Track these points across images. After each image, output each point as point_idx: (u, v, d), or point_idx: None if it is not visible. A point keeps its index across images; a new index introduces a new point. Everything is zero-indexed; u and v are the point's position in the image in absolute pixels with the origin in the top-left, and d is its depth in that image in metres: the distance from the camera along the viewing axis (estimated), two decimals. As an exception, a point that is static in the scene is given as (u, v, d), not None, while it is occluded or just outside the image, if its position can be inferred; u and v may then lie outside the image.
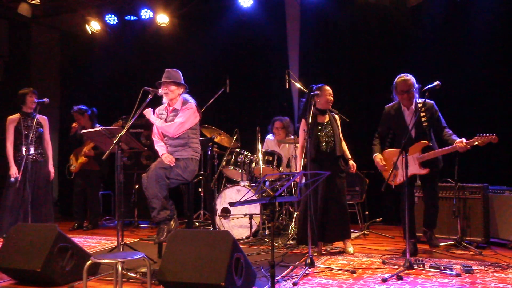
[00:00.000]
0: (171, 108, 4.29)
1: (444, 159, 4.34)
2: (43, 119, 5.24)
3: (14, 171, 4.94)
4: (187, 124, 4.19)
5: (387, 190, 3.82)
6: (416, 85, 4.14)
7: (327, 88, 4.35)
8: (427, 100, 4.04)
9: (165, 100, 4.28)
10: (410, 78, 4.16)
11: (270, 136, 5.99)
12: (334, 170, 4.22)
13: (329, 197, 4.25)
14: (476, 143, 3.84)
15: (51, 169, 5.30)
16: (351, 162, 4.39)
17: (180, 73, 4.32)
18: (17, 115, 5.13)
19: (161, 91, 4.14)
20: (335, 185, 4.26)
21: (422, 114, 4.10)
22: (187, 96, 4.36)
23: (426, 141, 4.11)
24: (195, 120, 4.28)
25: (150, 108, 4.24)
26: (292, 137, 5.63)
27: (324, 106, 4.36)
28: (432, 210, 4.37)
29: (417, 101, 4.17)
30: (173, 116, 4.25)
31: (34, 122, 5.06)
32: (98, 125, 6.04)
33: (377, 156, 4.33)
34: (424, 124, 4.13)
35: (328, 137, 4.31)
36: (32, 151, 5.01)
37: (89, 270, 2.85)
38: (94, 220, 6.25)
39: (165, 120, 4.28)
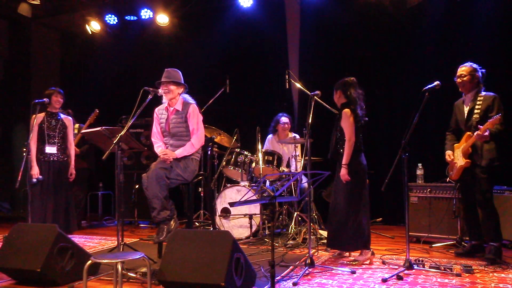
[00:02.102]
0: (172, 108, 4.29)
1: (444, 159, 4.33)
2: (68, 120, 5.23)
3: (35, 172, 4.91)
4: (202, 128, 4.29)
5: (387, 190, 3.82)
6: (479, 74, 4.04)
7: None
8: (487, 92, 4.01)
9: (165, 100, 4.28)
10: (467, 66, 4.08)
11: (269, 136, 5.98)
12: (337, 171, 4.14)
13: (334, 201, 4.15)
14: (488, 127, 3.78)
15: (72, 170, 5.28)
16: (341, 171, 4.00)
17: (180, 72, 4.32)
18: (42, 114, 5.09)
19: (160, 91, 4.15)
20: (337, 188, 4.13)
21: (477, 106, 4.01)
22: (187, 96, 4.36)
23: (470, 132, 4.01)
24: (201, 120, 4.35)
25: (164, 151, 4.18)
26: (293, 136, 5.63)
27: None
28: (483, 218, 4.04)
29: (480, 94, 4.05)
30: (176, 118, 4.25)
31: (59, 123, 5.06)
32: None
33: (446, 153, 4.24)
34: (474, 116, 4.01)
35: (331, 138, 4.22)
36: (54, 150, 5.01)
37: (89, 270, 2.84)
38: (78, 220, 6.13)
39: (167, 121, 4.28)
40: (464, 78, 4.07)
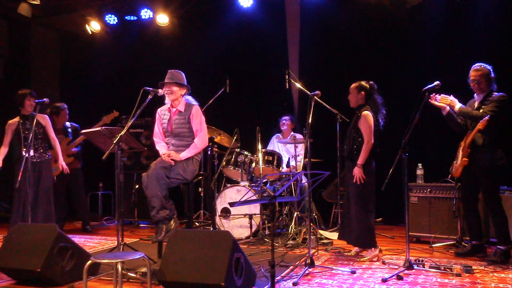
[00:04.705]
0: (174, 109, 4.28)
1: (444, 159, 4.33)
2: (43, 118, 5.13)
3: None
4: (205, 130, 4.30)
5: (387, 190, 3.82)
6: (492, 75, 4.04)
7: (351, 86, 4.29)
8: (498, 93, 4.00)
9: (167, 100, 4.28)
10: (482, 67, 4.06)
11: (274, 137, 6.02)
12: (349, 171, 4.19)
13: (346, 199, 4.27)
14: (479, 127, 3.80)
15: (63, 163, 5.26)
16: (355, 170, 4.09)
17: (183, 74, 4.33)
18: (16, 119, 5.05)
19: (161, 91, 4.14)
20: (349, 188, 4.21)
21: (483, 106, 4.00)
22: (189, 98, 4.37)
23: (469, 132, 4.02)
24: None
25: (168, 153, 4.14)
26: (293, 135, 5.63)
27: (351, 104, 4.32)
28: (493, 220, 4.04)
29: (492, 94, 4.03)
30: (178, 119, 4.25)
31: (34, 124, 5.02)
32: None
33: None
34: None
35: (347, 136, 4.24)
36: (32, 153, 4.96)
37: (89, 270, 2.85)
38: (87, 220, 6.14)
39: (169, 121, 4.28)
40: (480, 82, 4.04)
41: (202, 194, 6.18)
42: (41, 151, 5.08)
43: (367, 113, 4.09)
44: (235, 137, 5.56)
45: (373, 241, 4.12)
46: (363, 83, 4.23)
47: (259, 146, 5.34)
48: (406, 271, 3.57)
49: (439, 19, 5.90)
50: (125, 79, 7.65)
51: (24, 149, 4.80)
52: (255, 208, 5.04)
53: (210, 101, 5.77)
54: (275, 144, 6.03)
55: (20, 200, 4.89)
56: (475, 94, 4.20)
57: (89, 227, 6.06)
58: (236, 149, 5.50)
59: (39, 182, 5.01)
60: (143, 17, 7.12)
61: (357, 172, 4.04)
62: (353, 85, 4.28)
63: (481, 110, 3.96)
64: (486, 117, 3.77)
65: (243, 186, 5.19)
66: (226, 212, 5.18)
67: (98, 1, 7.16)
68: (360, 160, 4.04)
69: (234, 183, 5.45)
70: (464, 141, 4.10)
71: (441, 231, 4.72)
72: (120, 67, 7.69)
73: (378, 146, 4.14)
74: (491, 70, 4.07)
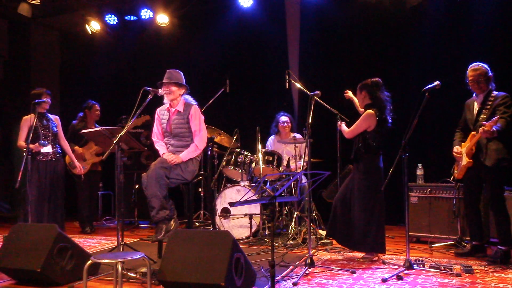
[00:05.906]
0: (173, 109, 4.28)
1: (444, 159, 4.33)
2: (56, 118, 5.26)
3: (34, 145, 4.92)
4: (204, 129, 4.30)
5: (387, 190, 3.82)
6: (490, 74, 4.03)
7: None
8: (499, 92, 3.99)
9: (166, 100, 4.28)
10: (480, 67, 4.05)
11: (272, 137, 6.00)
12: (354, 172, 4.13)
13: (342, 198, 4.16)
14: (491, 125, 3.72)
15: (77, 164, 5.38)
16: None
17: (182, 73, 4.32)
18: (31, 115, 5.08)
19: (161, 91, 4.14)
20: (353, 188, 4.09)
21: (487, 106, 3.98)
22: (188, 97, 4.36)
23: (474, 132, 3.99)
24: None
25: (171, 156, 4.12)
26: (293, 136, 5.63)
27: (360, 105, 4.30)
28: (496, 220, 3.99)
29: (492, 93, 4.03)
30: (177, 119, 4.25)
31: (49, 122, 5.09)
32: None
33: (455, 148, 4.20)
34: (482, 116, 3.98)
35: (353, 139, 4.17)
36: (50, 149, 5.04)
37: (89, 270, 2.85)
38: (91, 221, 6.13)
39: (168, 121, 4.28)
40: (480, 81, 4.02)
41: (202, 194, 6.17)
42: (55, 149, 5.15)
43: (368, 111, 4.02)
44: (235, 137, 5.56)
45: (375, 246, 3.99)
46: (366, 81, 4.16)
47: (259, 146, 5.34)
48: (406, 271, 3.57)
49: (439, 19, 5.90)
50: (125, 79, 7.66)
51: (24, 148, 4.83)
52: (255, 208, 5.04)
53: (210, 101, 5.77)
54: (275, 146, 6.00)
55: (39, 199, 4.95)
56: (474, 94, 4.18)
57: (88, 229, 5.93)
58: (236, 149, 5.50)
59: (55, 179, 5.09)
60: (143, 17, 7.12)
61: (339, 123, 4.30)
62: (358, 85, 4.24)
63: (497, 117, 3.84)
64: (495, 118, 3.73)
65: (243, 186, 5.19)
66: (226, 212, 5.18)
67: (98, 1, 7.16)
68: (345, 129, 4.16)
69: (234, 183, 5.45)
70: (467, 142, 4.09)
71: (441, 231, 4.72)
72: (120, 67, 7.69)
73: (382, 148, 4.08)
74: (489, 69, 4.06)
